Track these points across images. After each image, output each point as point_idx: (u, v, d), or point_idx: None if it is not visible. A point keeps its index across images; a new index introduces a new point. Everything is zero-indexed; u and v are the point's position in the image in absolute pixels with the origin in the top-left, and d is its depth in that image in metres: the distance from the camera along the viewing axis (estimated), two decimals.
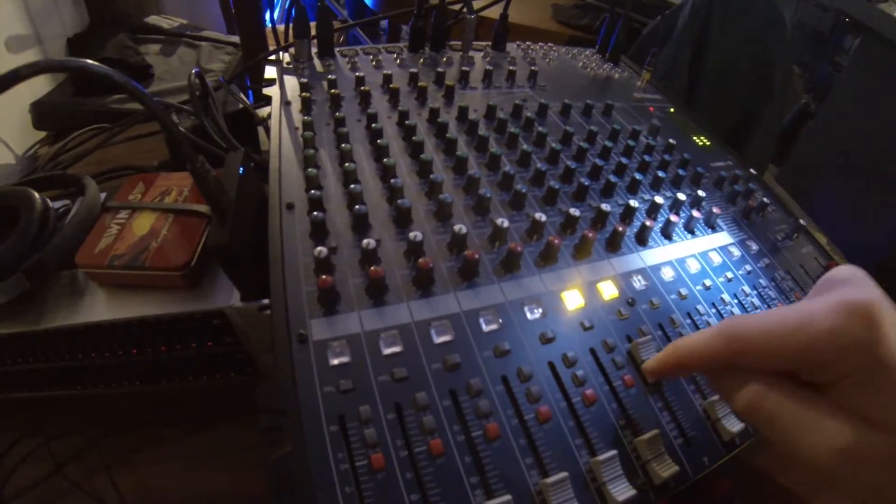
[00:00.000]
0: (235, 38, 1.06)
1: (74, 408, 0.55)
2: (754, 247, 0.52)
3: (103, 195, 0.54)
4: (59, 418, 0.54)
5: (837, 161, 1.23)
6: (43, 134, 0.89)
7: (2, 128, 0.83)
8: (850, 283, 0.27)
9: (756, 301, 0.46)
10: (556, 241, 0.40)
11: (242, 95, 0.68)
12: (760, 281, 0.48)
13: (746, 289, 0.47)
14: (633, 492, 0.30)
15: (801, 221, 0.60)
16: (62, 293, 0.48)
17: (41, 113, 0.87)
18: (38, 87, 0.90)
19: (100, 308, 0.46)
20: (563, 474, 0.29)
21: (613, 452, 0.31)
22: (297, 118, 0.51)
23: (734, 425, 0.35)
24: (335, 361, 0.32)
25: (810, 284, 0.52)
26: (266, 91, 0.57)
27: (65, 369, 0.50)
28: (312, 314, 0.34)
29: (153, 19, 1.08)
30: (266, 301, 0.42)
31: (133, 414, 0.54)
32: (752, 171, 0.62)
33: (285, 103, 0.53)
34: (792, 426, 0.25)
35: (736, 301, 0.45)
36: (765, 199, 0.58)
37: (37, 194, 0.48)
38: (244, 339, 0.45)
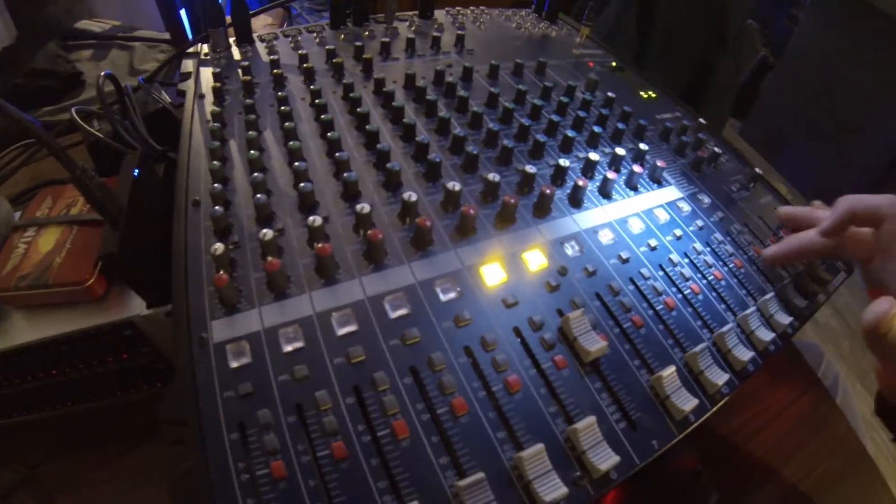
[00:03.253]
0: (168, 36, 1.01)
1: (12, 436, 0.52)
2: (706, 200, 0.49)
3: (17, 214, 0.51)
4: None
5: (798, 111, 1.22)
6: None
7: None
8: None
9: (709, 258, 0.43)
10: (472, 211, 0.37)
11: (164, 94, 0.64)
12: (715, 236, 0.45)
13: (698, 246, 0.43)
14: (564, 489, 0.27)
15: (758, 170, 0.57)
16: None
17: None
18: None
19: (17, 332, 0.43)
20: (480, 475, 0.26)
21: (539, 446, 0.28)
22: (209, 110, 0.47)
23: (686, 402, 0.32)
24: (235, 364, 0.29)
25: (770, 236, 0.49)
26: (180, 86, 0.53)
27: None
28: (214, 315, 0.31)
29: (84, 24, 1.03)
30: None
31: (74, 435, 0.51)
32: (701, 120, 0.59)
33: (199, 96, 0.50)
34: None
35: (687, 260, 0.42)
36: (716, 149, 0.54)
37: None
38: (162, 348, 0.43)
